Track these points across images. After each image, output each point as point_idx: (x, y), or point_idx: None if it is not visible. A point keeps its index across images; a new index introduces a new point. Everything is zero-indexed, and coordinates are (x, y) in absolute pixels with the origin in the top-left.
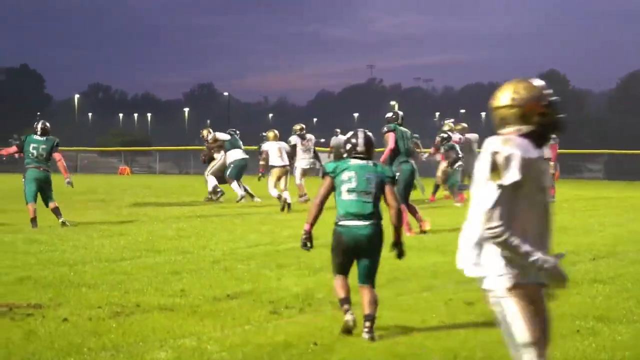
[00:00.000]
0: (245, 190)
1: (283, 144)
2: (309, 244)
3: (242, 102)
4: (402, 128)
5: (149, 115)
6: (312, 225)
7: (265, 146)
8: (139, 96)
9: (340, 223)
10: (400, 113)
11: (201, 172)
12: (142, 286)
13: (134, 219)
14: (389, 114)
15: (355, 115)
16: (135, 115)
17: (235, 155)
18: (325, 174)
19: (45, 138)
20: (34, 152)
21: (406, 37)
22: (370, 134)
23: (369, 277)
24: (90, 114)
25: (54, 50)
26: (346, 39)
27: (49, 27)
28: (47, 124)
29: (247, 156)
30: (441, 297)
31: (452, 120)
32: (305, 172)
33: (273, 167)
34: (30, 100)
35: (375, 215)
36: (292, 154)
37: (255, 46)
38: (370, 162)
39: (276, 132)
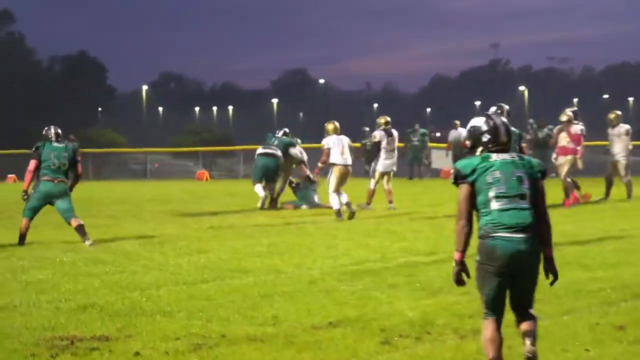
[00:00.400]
0: (271, 196)
1: (345, 139)
2: (465, 278)
3: (341, 90)
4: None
5: (230, 108)
6: (463, 252)
7: (326, 141)
8: (218, 86)
9: (492, 234)
10: (506, 107)
11: (296, 175)
12: (227, 313)
13: (216, 233)
14: (493, 108)
15: (477, 104)
16: (215, 108)
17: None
18: (460, 178)
19: (64, 144)
20: (55, 160)
21: (537, 9)
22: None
23: (528, 306)
24: (160, 109)
25: (118, 34)
26: (465, 12)
27: (111, 7)
28: (59, 129)
29: (267, 152)
30: (585, 320)
31: (573, 109)
32: (383, 176)
33: (334, 164)
34: (90, 94)
35: (535, 226)
36: (373, 152)
37: (355, 24)
38: (515, 156)
39: (336, 123)
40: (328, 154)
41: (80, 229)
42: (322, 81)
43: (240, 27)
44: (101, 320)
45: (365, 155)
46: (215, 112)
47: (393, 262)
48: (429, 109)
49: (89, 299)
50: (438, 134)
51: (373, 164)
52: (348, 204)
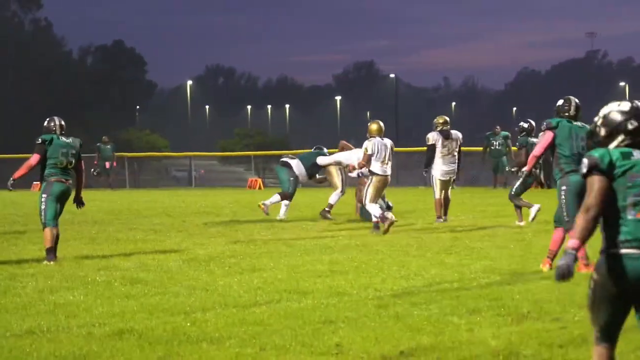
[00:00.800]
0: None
1: (389, 143)
2: (570, 270)
3: (413, 87)
4: (575, 123)
5: (287, 107)
6: (582, 242)
7: (369, 145)
8: (273, 81)
9: (622, 250)
10: (575, 101)
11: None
12: (283, 341)
13: (270, 249)
14: (560, 102)
15: None
16: (269, 107)
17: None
18: (595, 169)
19: (71, 140)
20: (63, 159)
21: None
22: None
23: None
24: (207, 107)
25: (158, 21)
26: None
27: None
28: (63, 121)
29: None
30: None
31: None
32: (444, 185)
33: (374, 174)
34: (127, 90)
35: None
36: (429, 158)
37: (429, 9)
38: None
39: (381, 124)
40: (369, 160)
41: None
42: (392, 76)
43: (299, 14)
44: (140, 349)
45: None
46: (269, 111)
47: (473, 283)
48: (514, 108)
49: (125, 324)
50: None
51: (431, 171)
52: (383, 217)
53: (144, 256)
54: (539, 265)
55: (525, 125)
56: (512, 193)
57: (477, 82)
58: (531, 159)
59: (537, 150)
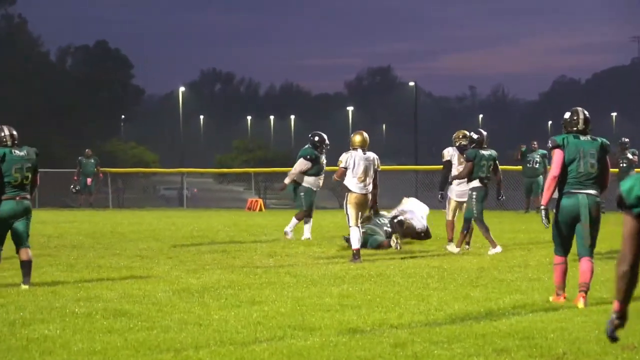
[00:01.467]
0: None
1: (373, 158)
2: (613, 337)
3: (435, 96)
4: (583, 138)
5: (292, 117)
6: (624, 304)
7: (344, 157)
8: (276, 88)
9: None
10: (584, 113)
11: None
12: None
13: (273, 279)
14: (567, 114)
15: (613, 115)
16: (272, 118)
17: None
18: (623, 205)
19: (25, 151)
20: (18, 175)
21: None
22: None
23: None
24: (202, 117)
25: (147, 19)
26: None
27: None
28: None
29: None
30: None
31: None
32: (460, 206)
33: (348, 190)
34: (111, 96)
35: None
36: (444, 175)
37: (453, 9)
38: None
39: (365, 135)
40: (343, 174)
41: (28, 265)
42: (411, 84)
43: (306, 12)
44: None
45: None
46: (272, 122)
47: (502, 320)
48: (549, 122)
49: None
50: None
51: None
52: (356, 254)
53: (129, 285)
54: (574, 297)
55: (475, 136)
56: (476, 216)
57: (508, 91)
58: (551, 182)
59: (554, 171)
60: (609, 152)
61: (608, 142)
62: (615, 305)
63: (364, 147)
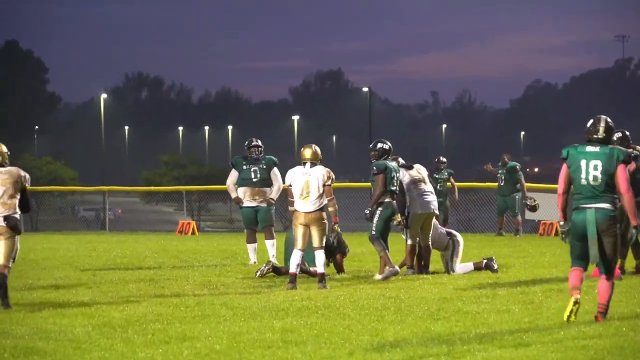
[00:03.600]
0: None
1: (315, 172)
2: None
3: (393, 104)
4: (589, 149)
5: (229, 128)
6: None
7: (288, 175)
8: (211, 95)
9: None
10: (606, 121)
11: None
12: None
13: (207, 311)
14: (589, 123)
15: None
16: (207, 128)
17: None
18: None
19: None
20: None
21: None
22: None
23: None
24: (127, 128)
25: (62, 15)
26: None
27: None
28: None
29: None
30: None
31: None
32: (421, 219)
33: (295, 210)
34: (23, 104)
35: None
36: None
37: (412, 6)
38: None
39: (316, 148)
40: (291, 193)
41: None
42: (365, 89)
43: (245, 8)
44: None
45: (439, 199)
46: (207, 133)
47: (467, 357)
48: (522, 132)
49: None
50: (536, 169)
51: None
52: (291, 280)
53: (42, 320)
54: (548, 334)
55: (386, 146)
56: (374, 233)
57: (475, 98)
58: (558, 199)
59: (559, 187)
60: (625, 162)
61: (623, 151)
62: None
63: (315, 160)
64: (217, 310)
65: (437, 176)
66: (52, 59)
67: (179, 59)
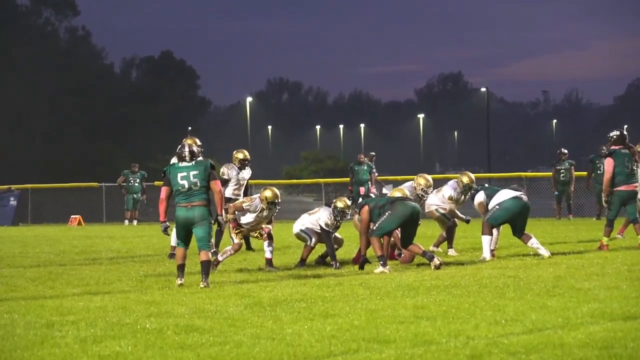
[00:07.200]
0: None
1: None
2: None
3: (507, 102)
4: (623, 151)
5: (361, 126)
6: None
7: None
8: (345, 97)
9: None
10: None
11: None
12: None
13: (346, 291)
14: (614, 133)
15: None
16: (341, 127)
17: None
18: None
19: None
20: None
21: None
22: None
23: None
24: (269, 127)
25: (211, 28)
26: None
27: None
28: None
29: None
30: None
31: None
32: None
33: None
34: (178, 108)
35: None
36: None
37: (523, 14)
38: None
39: (245, 153)
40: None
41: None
42: (483, 90)
43: (375, 18)
44: None
45: (562, 187)
46: (342, 131)
47: (580, 329)
48: (625, 126)
49: None
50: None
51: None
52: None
53: (200, 301)
54: None
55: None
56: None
57: (582, 95)
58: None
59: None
60: None
61: None
62: None
63: (244, 164)
64: (355, 290)
65: (558, 167)
66: (203, 67)
67: (316, 65)
